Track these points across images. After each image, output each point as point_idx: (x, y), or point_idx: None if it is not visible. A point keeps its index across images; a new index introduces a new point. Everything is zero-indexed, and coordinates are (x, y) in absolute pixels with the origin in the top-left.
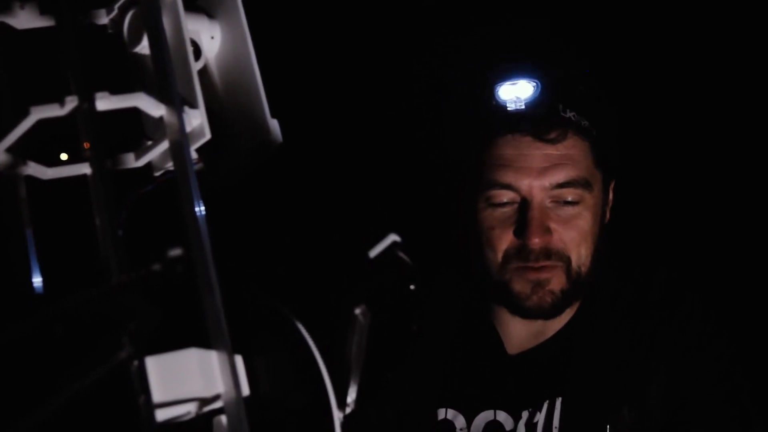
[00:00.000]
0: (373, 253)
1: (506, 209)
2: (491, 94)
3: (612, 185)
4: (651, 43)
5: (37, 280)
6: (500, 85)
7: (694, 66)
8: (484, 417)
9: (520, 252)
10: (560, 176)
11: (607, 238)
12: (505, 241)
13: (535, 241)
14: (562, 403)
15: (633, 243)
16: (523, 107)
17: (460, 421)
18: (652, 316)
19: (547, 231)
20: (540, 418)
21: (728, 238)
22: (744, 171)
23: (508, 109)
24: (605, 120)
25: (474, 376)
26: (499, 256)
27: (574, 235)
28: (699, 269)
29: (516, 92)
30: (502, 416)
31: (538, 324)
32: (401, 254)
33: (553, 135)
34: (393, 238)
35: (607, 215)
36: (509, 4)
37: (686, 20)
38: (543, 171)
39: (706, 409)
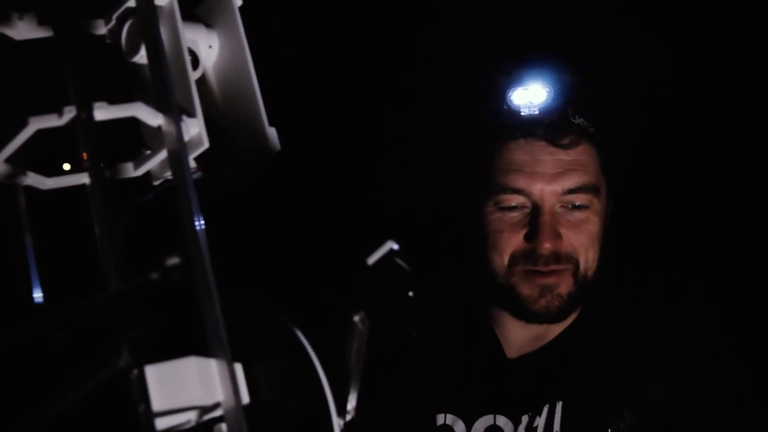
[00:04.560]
0: (372, 260)
1: (515, 213)
2: (504, 98)
3: (614, 192)
4: (653, 45)
5: (37, 289)
6: (513, 90)
7: (690, 66)
8: (484, 422)
9: (529, 255)
10: (572, 182)
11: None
12: (512, 244)
13: (546, 246)
14: (563, 406)
15: (631, 245)
16: (537, 112)
17: (459, 427)
18: (652, 317)
19: (558, 236)
20: (540, 422)
21: (727, 238)
22: (742, 172)
23: (522, 114)
24: (610, 126)
25: (473, 380)
26: (506, 258)
27: (583, 240)
28: (698, 270)
29: (529, 97)
30: (502, 421)
31: (538, 328)
32: (399, 261)
33: (566, 141)
34: (391, 245)
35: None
36: (520, 10)
37: (689, 24)
38: (555, 176)
39: (707, 411)
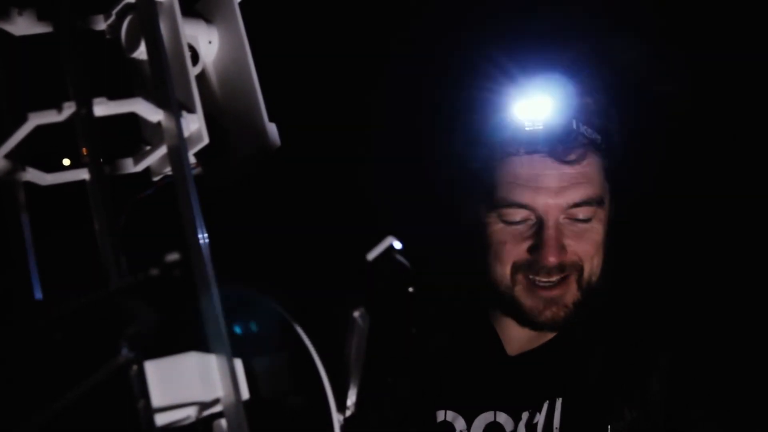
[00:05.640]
0: (371, 255)
1: (520, 227)
2: (507, 112)
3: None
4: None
5: (36, 286)
6: (516, 103)
7: (691, 67)
8: (484, 418)
9: (532, 266)
10: (576, 196)
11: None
12: (515, 255)
13: (552, 260)
14: (563, 403)
15: (632, 245)
16: (541, 127)
17: (460, 423)
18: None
19: (562, 248)
20: (540, 418)
21: (726, 236)
22: (742, 173)
23: (526, 129)
24: (613, 132)
25: (474, 377)
26: (508, 268)
27: (587, 248)
28: (696, 267)
29: (532, 111)
30: (503, 417)
31: None
32: (399, 257)
33: (572, 157)
34: (391, 240)
35: None
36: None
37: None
38: (560, 191)
39: (708, 407)
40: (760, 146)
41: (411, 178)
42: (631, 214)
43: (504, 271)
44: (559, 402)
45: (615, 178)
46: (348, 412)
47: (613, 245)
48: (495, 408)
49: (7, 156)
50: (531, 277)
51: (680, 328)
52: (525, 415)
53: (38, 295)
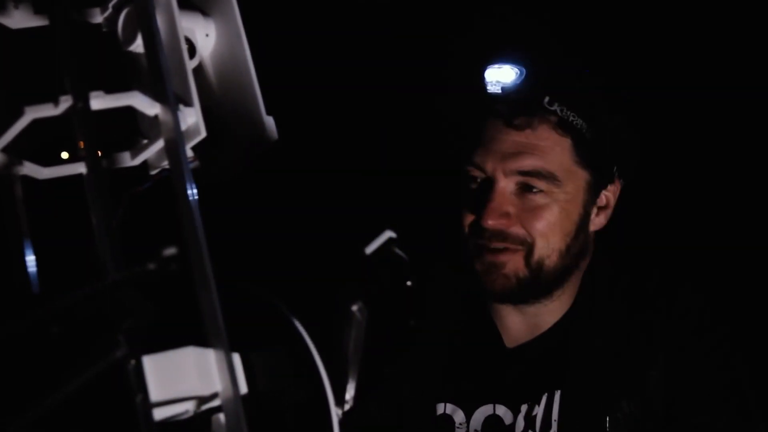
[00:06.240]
0: (369, 249)
1: (476, 189)
2: (478, 76)
3: (613, 189)
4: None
5: (34, 280)
6: (487, 68)
7: (692, 63)
8: (483, 411)
9: (476, 229)
10: (523, 164)
11: (600, 240)
12: (470, 217)
13: (489, 223)
14: (561, 395)
15: (629, 235)
16: (500, 91)
17: (459, 416)
18: (650, 306)
19: (505, 215)
20: (539, 411)
21: (724, 231)
22: (741, 168)
23: (488, 91)
24: (605, 122)
25: (473, 370)
26: (465, 231)
27: (538, 225)
28: (695, 259)
29: (498, 76)
30: (502, 410)
31: (533, 317)
32: (397, 250)
33: (518, 121)
34: (389, 233)
35: (600, 217)
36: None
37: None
38: (507, 156)
39: (707, 399)
40: (759, 139)
41: (409, 164)
42: (627, 201)
43: (463, 233)
44: (557, 394)
45: (598, 165)
46: (347, 406)
47: (586, 237)
48: (494, 401)
49: (4, 150)
50: (477, 241)
51: (679, 320)
52: (524, 408)
53: (35, 288)
